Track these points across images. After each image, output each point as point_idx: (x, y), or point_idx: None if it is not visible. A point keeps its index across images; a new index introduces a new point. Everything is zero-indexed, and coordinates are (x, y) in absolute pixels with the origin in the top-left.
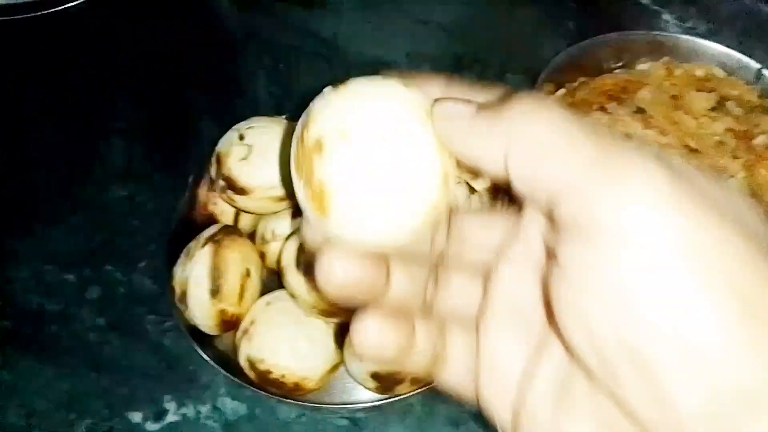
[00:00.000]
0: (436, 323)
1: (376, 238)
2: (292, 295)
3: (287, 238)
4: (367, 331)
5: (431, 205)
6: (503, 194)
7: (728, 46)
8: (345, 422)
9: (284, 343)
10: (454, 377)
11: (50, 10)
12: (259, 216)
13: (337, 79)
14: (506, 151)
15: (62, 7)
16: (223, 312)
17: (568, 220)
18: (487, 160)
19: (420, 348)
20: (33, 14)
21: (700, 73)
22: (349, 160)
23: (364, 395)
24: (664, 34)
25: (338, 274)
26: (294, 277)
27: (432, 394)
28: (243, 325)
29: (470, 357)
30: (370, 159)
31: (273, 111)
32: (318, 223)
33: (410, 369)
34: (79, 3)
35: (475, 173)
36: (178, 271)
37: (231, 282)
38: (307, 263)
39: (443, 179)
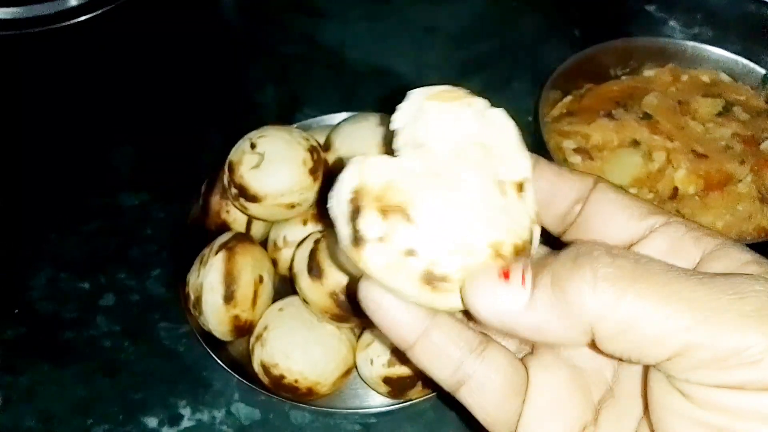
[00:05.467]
0: None
1: None
2: (305, 301)
3: (299, 244)
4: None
5: None
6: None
7: (734, 52)
8: (358, 427)
9: (297, 348)
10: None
11: (62, 24)
12: (271, 223)
13: (345, 87)
14: (591, 329)
15: (74, 20)
16: (236, 318)
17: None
18: (564, 338)
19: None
20: (46, 27)
21: (705, 78)
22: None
23: (376, 400)
24: (670, 40)
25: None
26: (306, 283)
27: (443, 399)
28: (256, 330)
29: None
30: None
31: (281, 120)
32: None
33: None
34: (90, 17)
35: None
36: (192, 278)
37: (244, 288)
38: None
39: None
